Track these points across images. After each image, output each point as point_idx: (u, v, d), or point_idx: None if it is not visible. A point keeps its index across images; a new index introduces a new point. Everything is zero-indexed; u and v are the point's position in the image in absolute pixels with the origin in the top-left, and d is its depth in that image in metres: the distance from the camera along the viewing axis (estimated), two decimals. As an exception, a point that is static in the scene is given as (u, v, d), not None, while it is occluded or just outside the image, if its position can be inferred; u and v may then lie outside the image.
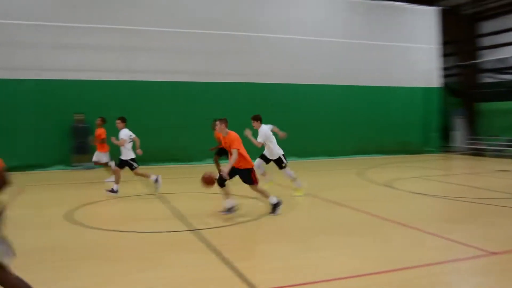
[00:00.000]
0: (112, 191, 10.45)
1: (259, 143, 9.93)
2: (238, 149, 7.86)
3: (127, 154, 10.65)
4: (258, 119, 10.14)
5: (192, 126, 17.13)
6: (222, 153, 12.68)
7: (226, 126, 8.12)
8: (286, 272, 5.22)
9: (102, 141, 12.81)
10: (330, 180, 13.68)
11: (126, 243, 6.63)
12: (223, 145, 8.28)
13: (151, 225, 7.59)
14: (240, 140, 8.02)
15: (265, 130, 10.06)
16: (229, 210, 8.16)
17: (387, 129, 20.60)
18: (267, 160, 10.42)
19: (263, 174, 10.68)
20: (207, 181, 7.99)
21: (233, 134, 8.05)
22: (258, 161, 10.34)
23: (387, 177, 13.36)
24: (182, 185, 12.26)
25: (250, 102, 18.07)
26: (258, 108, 18.02)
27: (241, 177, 8.16)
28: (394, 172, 15.14)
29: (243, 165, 8.04)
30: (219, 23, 17.59)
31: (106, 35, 16.36)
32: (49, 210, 9.05)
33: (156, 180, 10.84)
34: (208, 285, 4.89)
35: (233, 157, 7.80)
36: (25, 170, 15.25)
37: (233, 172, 8.00)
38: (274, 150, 10.21)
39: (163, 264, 5.59)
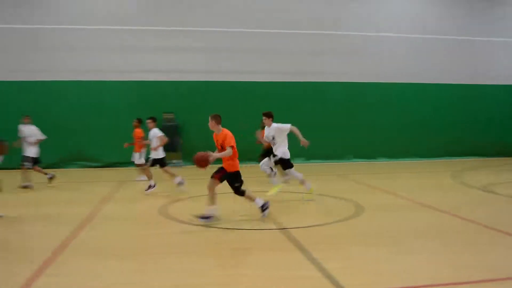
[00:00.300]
0: (149, 187, 10.85)
1: (290, 128, 9.58)
2: (234, 147, 7.65)
3: (156, 153, 10.95)
4: (270, 116, 9.69)
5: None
6: (267, 155, 12.53)
7: (219, 123, 7.84)
8: (376, 275, 5.12)
9: (139, 142, 12.94)
10: (422, 182, 13.14)
11: (216, 239, 6.82)
12: (215, 143, 7.91)
13: (240, 222, 7.75)
14: (234, 139, 7.74)
15: (282, 126, 9.60)
16: (208, 218, 7.71)
17: (483, 130, 19.40)
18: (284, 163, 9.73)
19: (286, 182, 10.08)
20: (200, 161, 7.49)
21: (227, 132, 7.79)
22: (292, 172, 9.78)
23: (485, 180, 12.62)
24: (270, 184, 12.37)
25: (337, 102, 17.95)
26: (345, 108, 17.95)
27: (228, 181, 7.85)
28: (492, 175, 14.22)
29: (228, 167, 7.77)
30: (307, 22, 17.57)
31: (195, 37, 16.96)
32: (144, 205, 9.53)
33: (150, 187, 10.92)
34: (296, 284, 4.92)
35: (226, 152, 7.57)
36: (124, 166, 16.22)
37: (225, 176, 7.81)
38: (280, 149, 9.64)
39: (252, 261, 5.71)
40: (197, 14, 17.01)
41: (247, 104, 17.08)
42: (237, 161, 7.88)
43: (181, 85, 16.96)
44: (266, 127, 9.73)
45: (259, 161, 12.43)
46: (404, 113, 18.62)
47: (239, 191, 7.86)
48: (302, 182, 9.84)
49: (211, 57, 17.24)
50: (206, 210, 7.77)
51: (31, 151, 11.90)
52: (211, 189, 7.78)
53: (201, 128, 17.07)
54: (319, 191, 10.82)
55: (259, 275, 5.16)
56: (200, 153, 7.56)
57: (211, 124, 7.83)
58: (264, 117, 9.67)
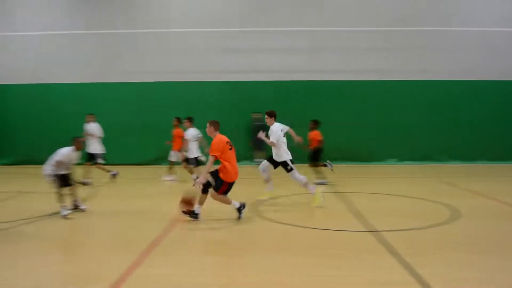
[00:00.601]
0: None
1: (272, 142, 9.25)
2: (217, 157, 7.61)
3: (192, 152, 11.37)
4: (272, 115, 9.49)
5: (374, 126, 16.90)
6: (317, 156, 12.25)
7: (216, 130, 7.87)
8: (474, 285, 4.84)
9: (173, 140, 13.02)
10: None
11: (306, 239, 6.82)
12: None
13: (330, 223, 7.67)
14: (222, 148, 7.67)
15: (277, 129, 9.36)
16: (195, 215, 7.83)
17: None
18: (275, 164, 9.52)
19: (267, 181, 9.75)
20: (186, 203, 7.78)
21: (217, 139, 7.76)
22: (264, 164, 9.65)
23: None
24: (362, 185, 12.14)
25: (433, 101, 17.13)
26: (439, 106, 17.06)
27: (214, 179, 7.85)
28: None
29: (223, 176, 7.75)
30: (408, 19, 16.90)
31: (286, 37, 16.97)
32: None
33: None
34: (388, 288, 4.80)
35: (208, 162, 7.61)
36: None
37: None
38: (282, 152, 9.32)
39: (340, 262, 5.63)
40: (292, 14, 17.04)
41: (332, 103, 16.89)
42: (231, 171, 7.80)
43: (270, 85, 17.05)
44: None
45: (310, 166, 12.34)
46: (509, 112, 17.33)
47: (206, 190, 7.81)
48: (269, 188, 9.71)
49: (300, 57, 17.15)
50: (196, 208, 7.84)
51: (96, 148, 12.56)
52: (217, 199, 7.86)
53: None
54: (412, 193, 10.43)
55: (349, 277, 5.10)
56: (185, 198, 7.77)
57: (209, 130, 7.94)
58: (266, 116, 9.56)
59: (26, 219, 8.04)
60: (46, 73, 17.39)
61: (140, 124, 16.90)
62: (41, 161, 14.69)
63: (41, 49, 17.50)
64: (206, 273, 5.32)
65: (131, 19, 17.19)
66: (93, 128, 12.80)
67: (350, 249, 6.20)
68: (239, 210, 7.89)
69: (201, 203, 7.86)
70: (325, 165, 11.94)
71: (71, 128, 16.56)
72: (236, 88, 17.12)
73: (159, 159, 16.94)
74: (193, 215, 7.81)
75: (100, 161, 12.58)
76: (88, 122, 12.93)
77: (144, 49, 17.30)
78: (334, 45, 17.09)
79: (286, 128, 9.68)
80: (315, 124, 12.40)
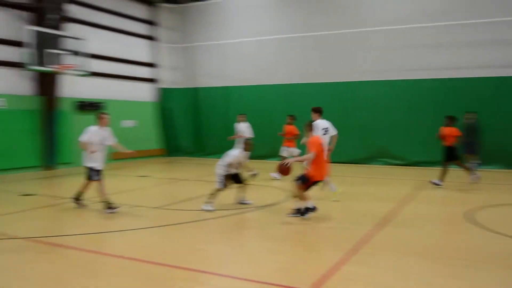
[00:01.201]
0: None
1: (333, 133, 9.85)
2: (316, 154, 7.71)
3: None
4: (318, 111, 9.94)
5: None
6: (452, 157, 11.21)
7: (310, 130, 8.09)
8: None
9: (294, 137, 12.84)
10: None
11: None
12: None
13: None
14: (319, 146, 7.84)
15: (319, 125, 9.51)
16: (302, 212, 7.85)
17: None
18: None
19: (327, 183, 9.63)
20: (283, 171, 8.24)
21: (315, 138, 7.99)
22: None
23: None
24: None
25: None
26: None
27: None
28: None
29: (314, 175, 7.79)
30: None
31: (486, 30, 15.25)
32: (448, 208, 9.18)
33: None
34: None
35: (308, 156, 7.76)
36: (426, 166, 15.93)
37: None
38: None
39: None
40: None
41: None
42: (319, 172, 7.88)
43: (484, 82, 15.50)
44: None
45: (445, 165, 11.52)
46: None
47: (301, 187, 7.80)
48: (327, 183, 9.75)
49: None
50: (298, 204, 7.87)
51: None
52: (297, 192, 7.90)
53: (503, 129, 15.25)
54: None
55: None
56: (281, 165, 8.31)
57: (306, 132, 8.19)
58: (312, 112, 10.01)
59: (228, 209, 8.91)
60: (260, 75, 18.97)
61: (346, 123, 16.98)
62: (262, 156, 16.10)
63: (254, 53, 19.19)
64: (415, 279, 5.15)
65: (338, 20, 17.50)
66: (243, 128, 13.38)
67: None
68: (308, 209, 7.86)
69: (308, 198, 7.93)
70: (468, 168, 11.35)
71: (280, 125, 17.64)
72: (450, 85, 16.00)
73: (371, 157, 16.98)
74: (309, 210, 7.87)
75: None
76: (239, 122, 13.55)
77: (350, 49, 17.46)
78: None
79: (332, 130, 9.95)
80: (451, 121, 11.56)
